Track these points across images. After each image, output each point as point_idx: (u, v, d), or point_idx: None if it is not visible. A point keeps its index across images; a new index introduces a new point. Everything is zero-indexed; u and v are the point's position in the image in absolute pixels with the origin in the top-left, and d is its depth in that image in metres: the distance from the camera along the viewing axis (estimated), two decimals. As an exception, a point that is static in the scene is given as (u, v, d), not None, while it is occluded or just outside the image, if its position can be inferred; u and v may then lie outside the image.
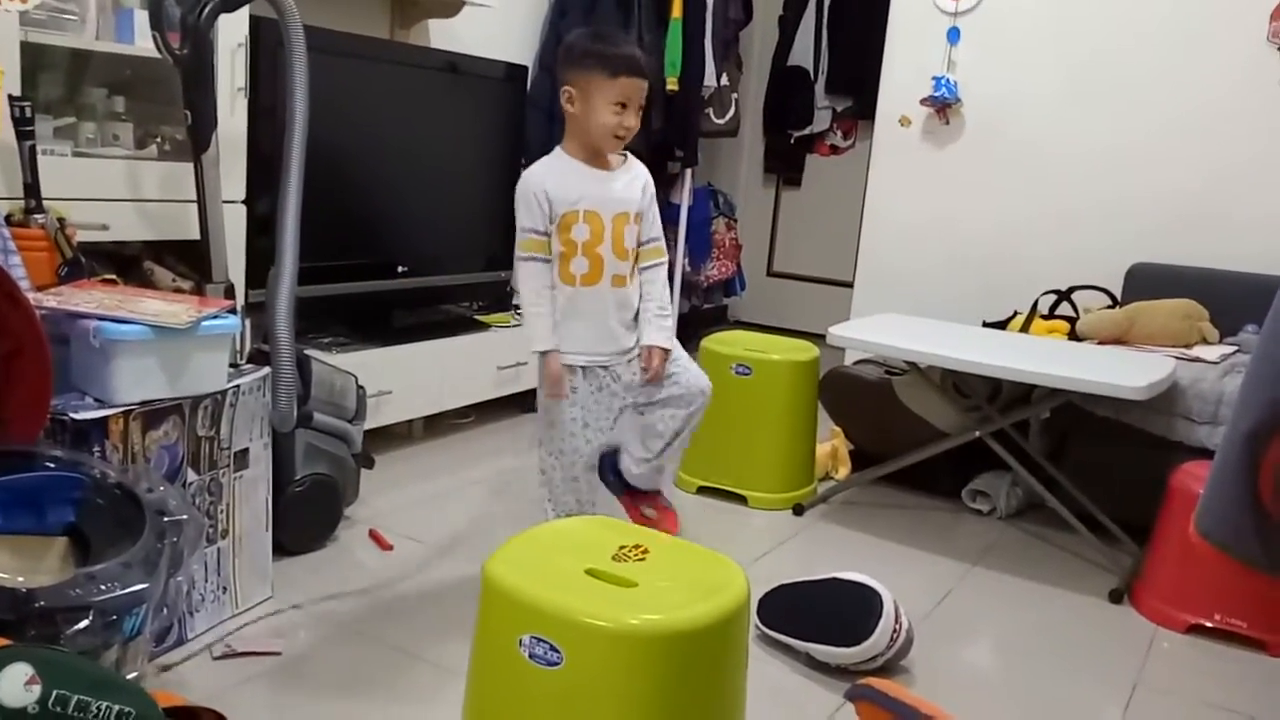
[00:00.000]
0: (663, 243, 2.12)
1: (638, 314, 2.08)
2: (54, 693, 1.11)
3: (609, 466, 2.22)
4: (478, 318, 3.29)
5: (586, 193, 1.99)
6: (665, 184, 4.22)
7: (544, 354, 2.01)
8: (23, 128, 1.88)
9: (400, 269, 2.99)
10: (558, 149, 2.05)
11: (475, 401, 3.15)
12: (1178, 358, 2.54)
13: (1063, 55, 3.19)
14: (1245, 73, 2.93)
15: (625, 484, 2.24)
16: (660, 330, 2.07)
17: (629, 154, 2.08)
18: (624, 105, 1.95)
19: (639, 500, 2.27)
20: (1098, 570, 2.40)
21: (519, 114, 3.39)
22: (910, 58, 3.41)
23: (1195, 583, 2.14)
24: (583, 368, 2.04)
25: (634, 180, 2.06)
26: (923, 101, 3.35)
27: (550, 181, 1.99)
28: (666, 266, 2.12)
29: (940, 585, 2.29)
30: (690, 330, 4.36)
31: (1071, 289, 3.01)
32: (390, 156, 2.93)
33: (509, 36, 3.69)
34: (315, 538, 2.19)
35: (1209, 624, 2.12)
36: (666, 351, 2.08)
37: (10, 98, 1.86)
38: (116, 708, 1.14)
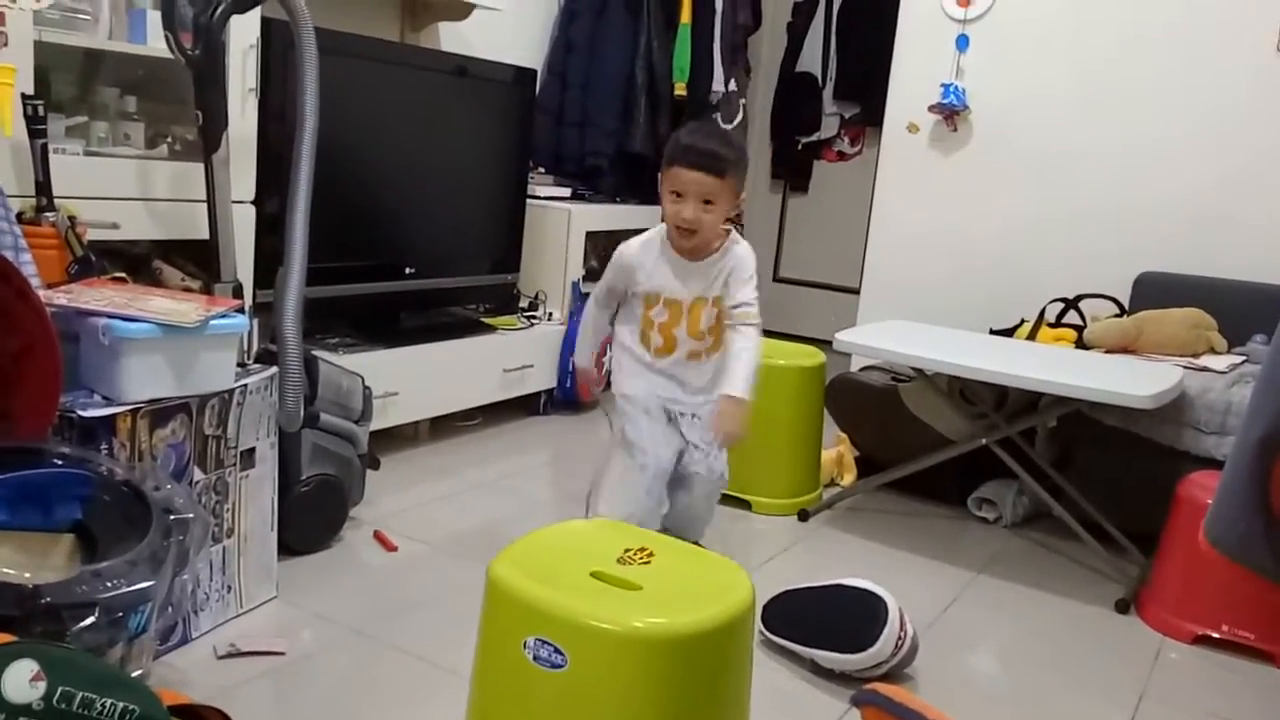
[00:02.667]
0: (752, 309, 2.09)
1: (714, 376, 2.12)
2: (59, 689, 1.11)
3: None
4: (484, 320, 3.29)
5: (669, 284, 2.08)
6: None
7: (579, 367, 2.34)
8: (35, 126, 1.89)
9: (408, 271, 2.99)
10: (660, 226, 2.10)
11: (481, 404, 3.16)
12: (1185, 367, 2.53)
13: (1071, 63, 3.19)
14: (1254, 81, 2.93)
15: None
16: (739, 384, 2.03)
17: (731, 232, 2.10)
18: (679, 194, 1.99)
19: None
20: (1104, 580, 2.40)
21: (527, 118, 3.40)
22: (919, 64, 3.41)
23: (1203, 593, 2.13)
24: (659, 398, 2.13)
25: (720, 271, 2.07)
26: (931, 108, 3.35)
27: (641, 263, 2.09)
28: (759, 332, 2.10)
29: (945, 593, 2.29)
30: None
31: (1079, 297, 3.01)
32: (399, 158, 2.94)
33: (518, 40, 3.70)
34: (320, 538, 2.19)
35: (1216, 635, 2.11)
36: (740, 403, 2.02)
37: (23, 96, 1.87)
38: (121, 705, 1.14)
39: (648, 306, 2.11)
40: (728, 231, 2.10)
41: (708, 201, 1.99)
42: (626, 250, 2.12)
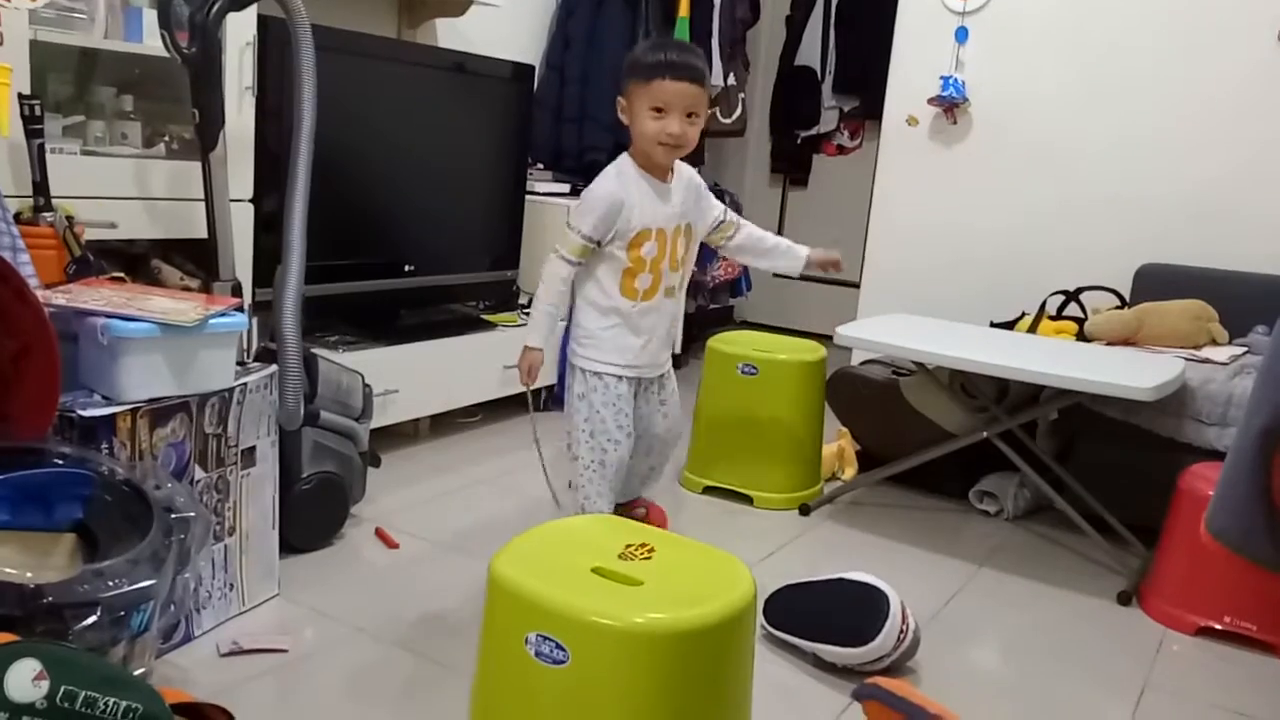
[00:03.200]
0: (730, 213, 2.19)
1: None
2: (62, 688, 1.11)
3: None
4: (484, 317, 3.29)
5: (658, 210, 2.03)
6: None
7: (532, 349, 2.07)
8: (32, 126, 1.88)
9: (407, 268, 2.99)
10: (624, 158, 2.05)
11: (482, 401, 3.16)
12: (1187, 359, 2.53)
13: (1071, 55, 3.18)
14: (1255, 72, 2.92)
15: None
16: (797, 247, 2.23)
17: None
18: (661, 110, 1.95)
19: (626, 510, 2.34)
20: (1106, 572, 2.40)
21: (526, 114, 3.40)
22: (918, 57, 3.40)
23: (1205, 585, 2.13)
24: (630, 379, 2.12)
25: (686, 188, 2.08)
26: (930, 101, 3.34)
27: (631, 198, 2.00)
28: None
29: (947, 586, 2.29)
30: (696, 330, 4.37)
31: (1079, 289, 3.00)
32: (397, 155, 2.93)
33: (516, 36, 3.70)
34: (322, 536, 2.19)
35: (1218, 626, 2.11)
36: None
37: (20, 96, 1.87)
38: (124, 704, 1.14)
39: (638, 246, 2.01)
40: None
41: (691, 114, 1.96)
42: (604, 189, 1.99)
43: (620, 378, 2.10)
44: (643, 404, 2.18)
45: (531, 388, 2.09)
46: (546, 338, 2.07)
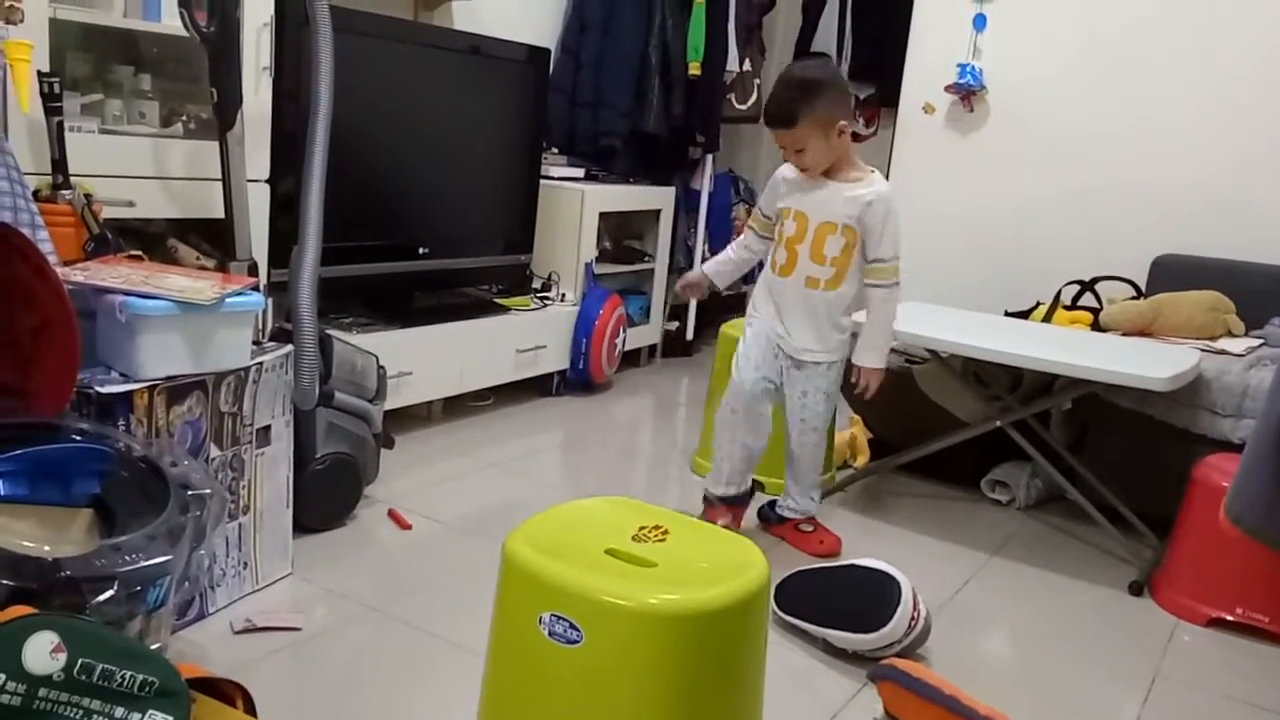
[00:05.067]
0: (890, 266, 2.19)
1: (835, 325, 2.23)
2: (79, 661, 1.12)
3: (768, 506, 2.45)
4: (497, 301, 3.29)
5: (803, 194, 2.18)
6: (686, 169, 4.20)
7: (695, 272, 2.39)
8: (51, 104, 1.89)
9: (421, 251, 2.99)
10: None
11: (494, 384, 3.16)
12: (1202, 350, 2.51)
13: (1089, 42, 3.15)
14: (1275, 57, 2.89)
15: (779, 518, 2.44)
16: (869, 351, 2.23)
17: (875, 173, 2.20)
18: (783, 147, 2.13)
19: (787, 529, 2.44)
20: (1118, 562, 2.39)
21: (541, 97, 3.39)
22: (935, 44, 3.38)
23: (1217, 576, 2.12)
24: (765, 332, 2.26)
25: (858, 198, 2.14)
26: (947, 88, 3.32)
27: (785, 179, 2.22)
28: (895, 292, 2.22)
29: (958, 575, 2.29)
30: (709, 317, 4.36)
31: (1095, 280, 2.99)
32: (412, 138, 2.93)
33: (532, 19, 3.69)
34: (335, 516, 2.20)
35: (1230, 618, 2.10)
36: (878, 371, 2.24)
37: (39, 74, 1.87)
38: (140, 677, 1.15)
39: (781, 219, 2.21)
40: (873, 170, 2.21)
41: (799, 150, 2.11)
42: (780, 169, 2.25)
43: (751, 321, 2.30)
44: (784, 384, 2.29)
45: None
46: (713, 266, 2.42)
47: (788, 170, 2.22)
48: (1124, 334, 2.71)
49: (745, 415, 2.27)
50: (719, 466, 2.35)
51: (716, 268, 2.41)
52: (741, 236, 2.36)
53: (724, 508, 2.36)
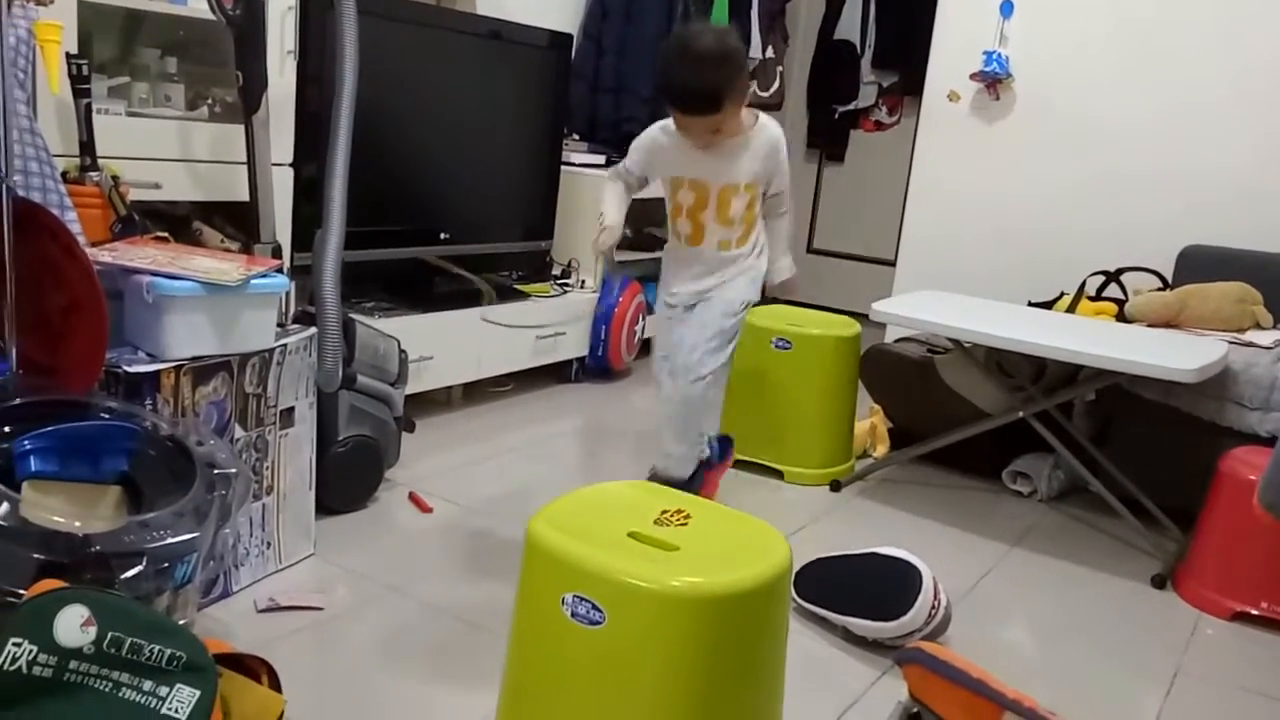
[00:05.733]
0: (786, 193, 2.20)
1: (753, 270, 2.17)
2: (109, 634, 1.14)
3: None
4: (517, 287, 3.30)
5: (696, 162, 2.04)
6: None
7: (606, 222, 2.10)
8: (79, 86, 1.90)
9: (443, 236, 3.00)
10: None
11: (514, 370, 3.17)
12: (1230, 342, 2.49)
13: (1117, 29, 3.12)
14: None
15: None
16: (785, 265, 2.26)
17: (760, 116, 2.07)
18: (685, 128, 1.99)
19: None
20: (1140, 555, 2.38)
21: (563, 83, 3.38)
22: (961, 31, 3.35)
23: (1242, 570, 2.10)
24: (681, 306, 2.18)
25: (756, 151, 2.06)
26: (973, 76, 3.29)
27: (662, 147, 2.07)
28: (790, 219, 2.24)
29: (979, 565, 2.28)
30: (729, 305, 4.35)
31: (1120, 270, 2.96)
32: (433, 123, 2.93)
33: (554, 4, 3.68)
34: (357, 498, 2.22)
35: (1255, 612, 2.08)
36: (795, 276, 2.29)
37: (68, 55, 1.88)
38: (169, 651, 1.16)
39: (675, 189, 2.11)
40: (756, 113, 2.07)
41: (715, 130, 1.98)
42: (649, 132, 2.11)
43: (664, 305, 2.21)
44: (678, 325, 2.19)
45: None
46: (616, 210, 2.14)
47: (664, 135, 2.06)
48: (1150, 325, 2.69)
49: (688, 414, 2.19)
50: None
51: (620, 209, 2.15)
52: (613, 185, 2.16)
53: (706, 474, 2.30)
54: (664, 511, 1.38)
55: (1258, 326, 2.66)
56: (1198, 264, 2.90)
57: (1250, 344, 2.51)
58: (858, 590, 1.87)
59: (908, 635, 1.81)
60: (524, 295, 3.23)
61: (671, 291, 2.20)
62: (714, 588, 1.20)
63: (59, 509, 1.33)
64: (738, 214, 2.08)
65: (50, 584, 1.17)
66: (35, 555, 1.24)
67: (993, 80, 3.27)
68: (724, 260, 2.13)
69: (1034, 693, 1.78)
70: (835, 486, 2.68)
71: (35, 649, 1.10)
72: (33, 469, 1.40)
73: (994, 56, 3.25)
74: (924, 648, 1.10)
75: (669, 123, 2.05)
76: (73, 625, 1.13)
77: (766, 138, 2.08)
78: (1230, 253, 2.88)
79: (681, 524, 1.36)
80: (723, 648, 1.22)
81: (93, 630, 1.13)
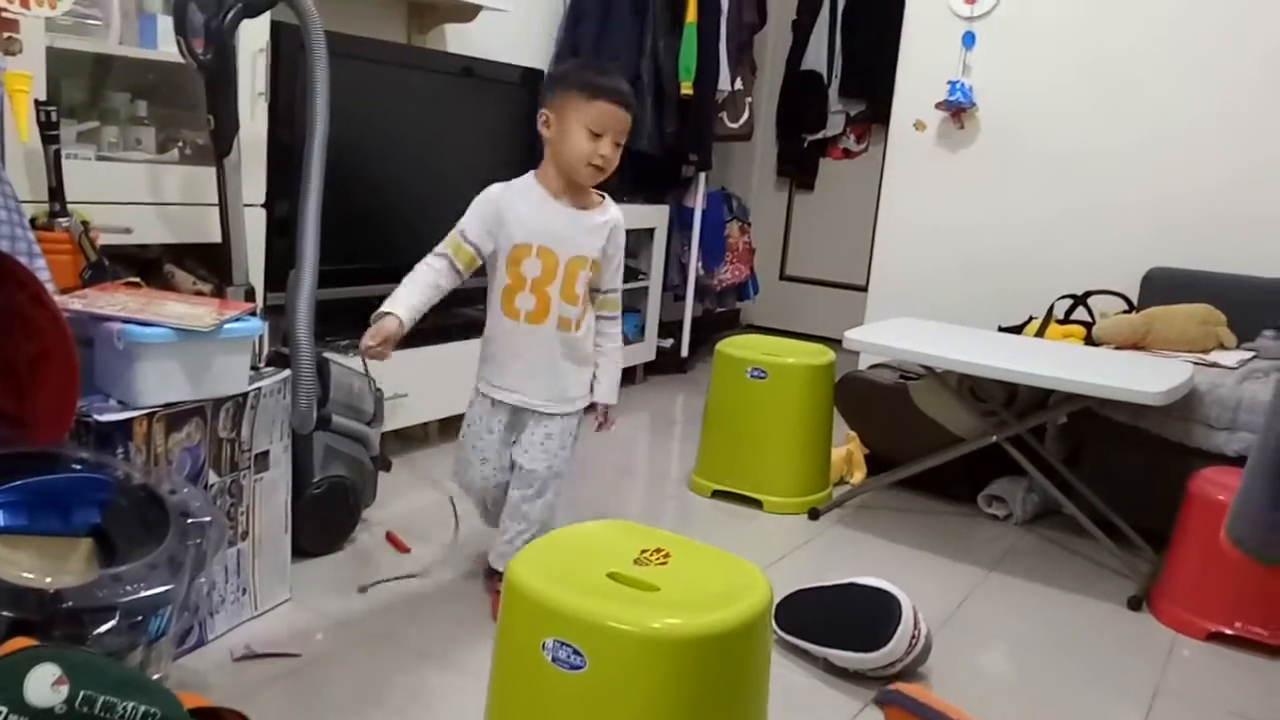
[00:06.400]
0: (619, 295, 2.02)
1: (586, 362, 1.98)
2: (81, 693, 1.12)
3: None
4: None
5: (548, 228, 1.88)
6: (679, 188, 4.22)
7: (383, 315, 1.84)
8: (48, 132, 1.89)
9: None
10: (530, 175, 1.94)
11: (490, 405, 3.15)
12: (1195, 363, 2.53)
13: (1079, 59, 3.19)
14: (1265, 73, 2.92)
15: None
16: (612, 390, 2.01)
17: (607, 196, 1.98)
18: (600, 135, 1.84)
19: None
20: (1116, 577, 2.40)
21: (534, 118, 3.39)
22: (925, 62, 3.41)
23: (1215, 590, 2.13)
24: (498, 403, 1.97)
25: (603, 225, 1.94)
26: (938, 105, 3.35)
27: (511, 206, 1.89)
28: (621, 323, 2.04)
29: (957, 591, 2.29)
30: (703, 334, 4.38)
31: (1087, 294, 3.01)
32: (407, 160, 2.94)
33: (525, 41, 3.71)
34: (333, 540, 2.20)
35: (1229, 631, 2.11)
36: (616, 408, 2.04)
37: (36, 103, 1.88)
38: (142, 708, 1.14)
39: (516, 262, 1.88)
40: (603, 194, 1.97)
41: (618, 143, 1.87)
42: (495, 192, 1.91)
43: (487, 398, 1.98)
44: (524, 438, 1.97)
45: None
46: (403, 303, 1.86)
47: (513, 197, 1.90)
48: (1117, 348, 2.73)
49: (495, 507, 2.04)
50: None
51: (413, 306, 1.88)
52: (433, 266, 1.91)
53: None
54: (643, 551, 1.39)
55: (1221, 347, 2.71)
56: (1162, 286, 2.95)
57: (1215, 364, 2.56)
58: (838, 621, 1.87)
59: (889, 665, 1.81)
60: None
61: (504, 387, 1.96)
62: (695, 629, 1.20)
63: (28, 564, 1.31)
64: (580, 291, 1.90)
65: (20, 642, 1.15)
66: (4, 613, 1.21)
67: (957, 109, 3.33)
68: (563, 343, 1.92)
69: (1015, 717, 1.79)
70: (814, 514, 2.69)
71: (5, 710, 1.08)
72: (2, 524, 1.38)
73: (958, 86, 3.31)
74: (903, 689, 1.10)
75: (518, 182, 1.93)
76: (44, 685, 1.11)
77: (610, 212, 1.95)
78: (1194, 275, 2.94)
79: (661, 563, 1.36)
80: (705, 688, 1.22)
81: (64, 689, 1.11)
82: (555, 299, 1.90)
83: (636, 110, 1.94)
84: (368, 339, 1.84)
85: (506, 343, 1.94)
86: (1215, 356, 2.63)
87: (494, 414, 1.99)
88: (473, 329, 3.15)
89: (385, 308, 1.86)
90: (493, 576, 2.02)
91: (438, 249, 1.93)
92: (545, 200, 1.91)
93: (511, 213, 1.89)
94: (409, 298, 1.88)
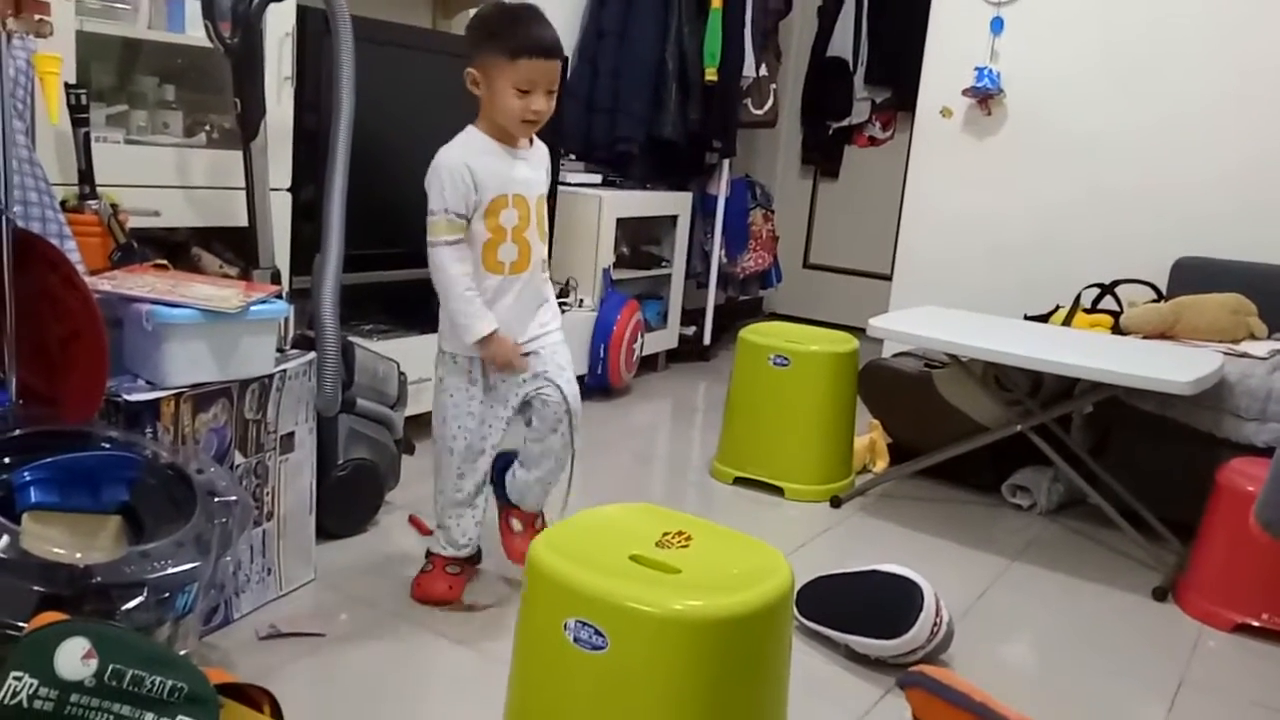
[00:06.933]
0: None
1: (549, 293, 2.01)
2: (110, 667, 1.13)
3: (497, 469, 2.05)
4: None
5: (513, 176, 1.88)
6: (703, 175, 4.21)
7: (489, 336, 1.84)
8: (78, 115, 1.91)
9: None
10: (470, 128, 1.91)
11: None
12: (1225, 353, 2.50)
13: (1108, 44, 3.14)
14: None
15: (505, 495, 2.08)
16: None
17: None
18: (528, 91, 1.82)
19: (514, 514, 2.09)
20: (1141, 568, 2.38)
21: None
22: (953, 48, 3.38)
23: (1242, 581, 2.11)
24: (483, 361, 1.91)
25: (544, 157, 1.98)
26: (965, 92, 3.32)
27: (475, 164, 1.85)
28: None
29: (979, 580, 2.28)
30: (726, 322, 4.37)
31: (1115, 283, 2.97)
32: (432, 145, 2.93)
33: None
34: (357, 522, 2.22)
35: (1256, 623, 2.08)
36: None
37: (66, 85, 1.89)
38: (170, 683, 1.16)
39: (495, 214, 1.86)
40: None
41: (551, 91, 1.85)
42: (451, 157, 1.87)
43: (476, 359, 1.92)
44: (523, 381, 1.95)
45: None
46: (491, 318, 1.85)
47: (472, 155, 1.86)
48: (1145, 337, 2.70)
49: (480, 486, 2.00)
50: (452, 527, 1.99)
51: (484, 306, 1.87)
52: (454, 254, 1.86)
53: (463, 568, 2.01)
54: (665, 534, 1.39)
55: (1252, 337, 2.67)
56: (1192, 275, 2.92)
57: (1245, 355, 2.52)
58: (860, 608, 1.86)
59: (911, 653, 1.81)
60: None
61: (450, 350, 1.94)
62: (716, 611, 1.20)
63: (59, 540, 1.33)
64: (545, 228, 1.94)
65: (51, 617, 1.17)
66: (35, 588, 1.23)
67: (984, 96, 3.29)
68: (539, 284, 1.95)
69: (1037, 708, 1.78)
70: (835, 503, 2.68)
71: (36, 683, 1.10)
72: (33, 500, 1.40)
73: (985, 72, 3.27)
74: (926, 671, 1.10)
75: (470, 139, 1.89)
76: (73, 658, 1.12)
77: (539, 144, 1.97)
78: (1224, 264, 2.90)
79: (683, 546, 1.36)
80: (725, 671, 1.22)
81: (94, 663, 1.13)
82: (534, 243, 1.91)
83: (563, 52, 1.88)
84: (501, 370, 1.88)
85: (491, 298, 1.88)
86: (1246, 347, 2.60)
87: (470, 370, 1.92)
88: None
89: (482, 330, 1.84)
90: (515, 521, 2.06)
91: (448, 240, 1.87)
92: (500, 150, 1.89)
93: (480, 170, 1.86)
94: (482, 307, 1.86)
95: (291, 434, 1.88)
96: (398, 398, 2.34)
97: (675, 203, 3.96)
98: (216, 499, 1.50)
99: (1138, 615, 2.17)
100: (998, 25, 3.30)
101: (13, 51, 1.68)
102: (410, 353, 2.60)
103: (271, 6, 2.09)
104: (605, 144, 3.80)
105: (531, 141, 1.97)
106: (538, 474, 2.01)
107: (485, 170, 1.86)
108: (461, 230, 1.86)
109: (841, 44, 4.86)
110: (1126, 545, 2.46)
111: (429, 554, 2.01)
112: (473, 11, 3.32)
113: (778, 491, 2.72)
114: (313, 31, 2.40)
